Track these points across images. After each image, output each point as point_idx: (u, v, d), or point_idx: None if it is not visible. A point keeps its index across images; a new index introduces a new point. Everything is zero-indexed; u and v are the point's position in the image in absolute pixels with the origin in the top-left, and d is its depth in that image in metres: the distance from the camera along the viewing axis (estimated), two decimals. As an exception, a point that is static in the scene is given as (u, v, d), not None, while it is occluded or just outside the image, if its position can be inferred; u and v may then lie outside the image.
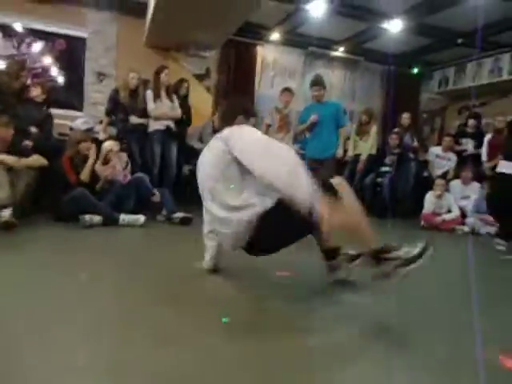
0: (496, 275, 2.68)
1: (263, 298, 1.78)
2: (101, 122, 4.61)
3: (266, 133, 4.81)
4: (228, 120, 2.00)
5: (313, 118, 4.08)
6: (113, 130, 4.45)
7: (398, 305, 1.79)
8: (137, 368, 1.10)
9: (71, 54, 5.51)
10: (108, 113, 4.37)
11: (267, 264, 2.09)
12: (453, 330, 1.58)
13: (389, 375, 1.19)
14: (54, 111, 4.36)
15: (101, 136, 4.22)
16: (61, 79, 5.50)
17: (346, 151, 5.41)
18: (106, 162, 3.69)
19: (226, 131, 1.82)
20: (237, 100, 2.25)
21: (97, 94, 5.56)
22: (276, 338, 1.37)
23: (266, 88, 6.89)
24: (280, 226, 1.65)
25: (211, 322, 1.45)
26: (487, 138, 5.27)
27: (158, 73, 4.32)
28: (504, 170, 3.44)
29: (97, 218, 3.14)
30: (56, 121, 4.32)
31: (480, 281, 2.22)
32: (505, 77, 6.35)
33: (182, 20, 4.58)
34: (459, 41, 6.22)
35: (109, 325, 1.38)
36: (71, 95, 5.55)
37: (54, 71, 5.45)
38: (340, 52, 7.04)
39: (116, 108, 4.25)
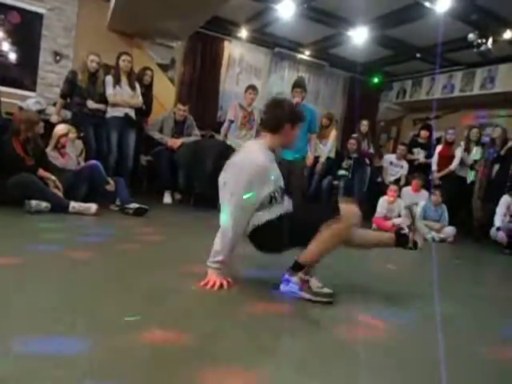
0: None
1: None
2: (54, 104, 4.37)
3: (228, 129, 4.80)
4: (273, 129, 1.89)
5: None
6: (67, 114, 4.24)
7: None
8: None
9: (26, 29, 5.17)
10: (63, 95, 4.14)
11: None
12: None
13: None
14: (3, 89, 4.08)
15: (53, 119, 4.00)
16: (12, 55, 5.15)
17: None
18: (57, 146, 3.52)
19: (255, 147, 1.92)
20: (284, 105, 1.96)
21: (52, 75, 5.27)
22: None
23: (232, 84, 6.86)
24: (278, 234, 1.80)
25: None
26: (438, 149, 5.58)
27: (117, 58, 4.17)
28: None
29: (44, 204, 2.97)
30: (4, 99, 4.05)
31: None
32: (456, 93, 6.77)
33: (148, 7, 4.45)
34: (417, 55, 6.54)
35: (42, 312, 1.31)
36: (23, 73, 5.20)
37: (5, 46, 5.09)
38: (306, 55, 7.16)
39: (72, 91, 4.04)
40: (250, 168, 1.79)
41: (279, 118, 1.89)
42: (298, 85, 4.21)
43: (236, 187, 1.78)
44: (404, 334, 1.56)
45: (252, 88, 4.74)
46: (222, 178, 1.89)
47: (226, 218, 1.80)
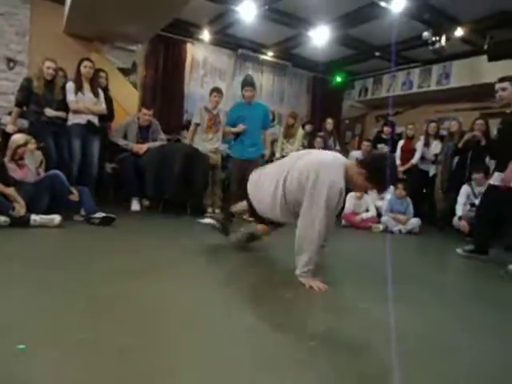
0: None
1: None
2: (9, 114, 4.17)
3: (195, 132, 4.76)
4: (369, 177, 2.07)
5: (240, 127, 4.23)
6: (23, 123, 4.06)
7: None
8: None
9: (-25, 35, 4.91)
10: (19, 103, 3.95)
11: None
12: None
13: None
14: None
15: (9, 128, 3.81)
16: (-39, 63, 4.88)
17: (273, 153, 5.61)
18: (14, 157, 3.35)
19: (340, 174, 2.07)
20: (393, 172, 2.23)
21: (6, 82, 5.02)
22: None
23: (196, 87, 6.81)
24: None
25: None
26: (400, 143, 5.78)
27: (78, 64, 4.04)
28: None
29: (2, 219, 2.83)
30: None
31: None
32: (415, 90, 7.03)
33: (105, 9, 4.33)
34: (377, 53, 6.74)
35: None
36: (-26, 82, 4.94)
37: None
38: (269, 56, 7.21)
39: (28, 98, 3.86)
40: (335, 193, 2.02)
41: (381, 177, 2.06)
42: (248, 83, 4.29)
43: (322, 202, 1.99)
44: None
45: (217, 91, 4.72)
46: (298, 179, 2.12)
47: (309, 224, 2.02)
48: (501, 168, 3.11)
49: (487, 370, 1.33)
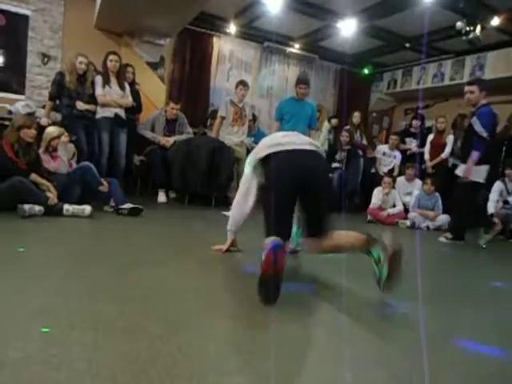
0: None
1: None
2: (43, 107, 4.33)
3: (220, 125, 4.79)
4: None
5: None
6: (57, 116, 4.21)
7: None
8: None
9: (12, 31, 5.10)
10: (52, 97, 4.10)
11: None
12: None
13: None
14: (-9, 93, 4.04)
15: (43, 121, 3.96)
16: (-1, 59, 5.09)
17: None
18: (48, 149, 3.49)
19: None
20: None
21: (40, 77, 5.22)
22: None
23: (222, 80, 6.84)
24: None
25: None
26: (429, 138, 5.61)
27: (105, 58, 4.14)
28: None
29: (37, 208, 2.96)
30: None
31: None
32: (446, 82, 6.79)
33: (135, 4, 4.41)
34: (407, 45, 6.55)
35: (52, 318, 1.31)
36: (11, 77, 5.14)
37: (-8, 49, 5.03)
38: (295, 49, 7.14)
39: (61, 92, 4.00)
40: None
41: None
42: (303, 81, 4.24)
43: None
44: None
45: (243, 84, 4.73)
46: None
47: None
48: None
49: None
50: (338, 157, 5.59)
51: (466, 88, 3.62)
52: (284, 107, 4.35)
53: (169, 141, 4.63)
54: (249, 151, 5.12)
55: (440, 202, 4.78)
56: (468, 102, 3.65)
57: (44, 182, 3.18)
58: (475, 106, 3.62)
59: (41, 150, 3.46)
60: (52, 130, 3.56)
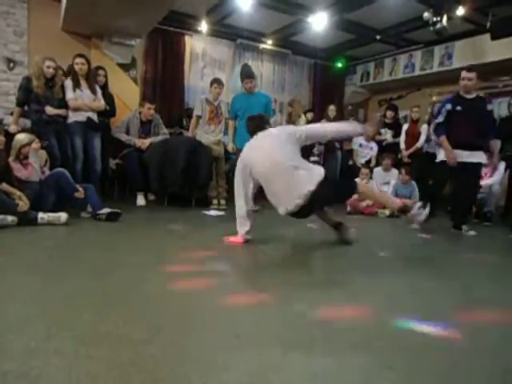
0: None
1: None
2: (11, 114, 4.19)
3: (196, 124, 4.74)
4: None
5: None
6: (26, 122, 4.08)
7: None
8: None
9: (-27, 37, 4.92)
10: (20, 103, 3.96)
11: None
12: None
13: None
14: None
15: (11, 129, 3.82)
16: (-39, 65, 4.89)
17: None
18: (19, 157, 3.37)
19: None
20: None
21: (6, 83, 5.05)
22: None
23: (196, 79, 6.77)
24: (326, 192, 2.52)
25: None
26: (404, 127, 5.72)
27: (72, 61, 4.04)
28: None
29: (10, 218, 2.86)
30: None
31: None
32: (417, 72, 6.93)
33: (101, 5, 4.31)
34: (377, 37, 6.63)
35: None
36: (-25, 84, 4.96)
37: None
38: (268, 45, 7.14)
39: (28, 98, 3.87)
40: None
41: None
42: (248, 75, 4.28)
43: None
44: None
45: (217, 82, 4.69)
46: None
47: None
48: None
49: None
50: (315, 151, 5.63)
51: (464, 74, 3.55)
52: (235, 104, 4.37)
53: (144, 143, 4.56)
54: (226, 149, 5.12)
55: (416, 190, 4.88)
56: (464, 89, 3.59)
57: (15, 191, 3.07)
58: (469, 93, 3.59)
59: (11, 159, 3.34)
60: (22, 138, 3.43)
